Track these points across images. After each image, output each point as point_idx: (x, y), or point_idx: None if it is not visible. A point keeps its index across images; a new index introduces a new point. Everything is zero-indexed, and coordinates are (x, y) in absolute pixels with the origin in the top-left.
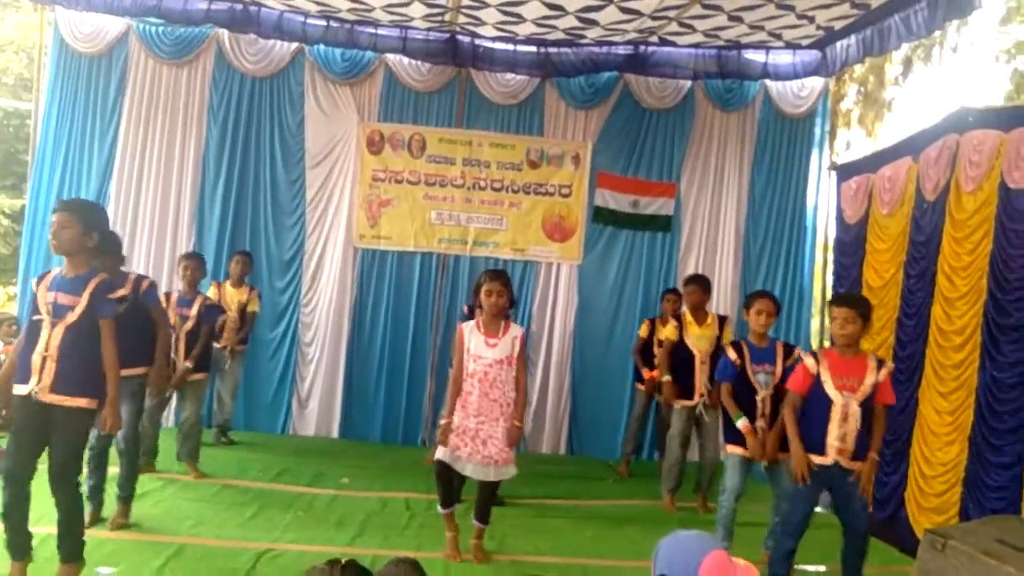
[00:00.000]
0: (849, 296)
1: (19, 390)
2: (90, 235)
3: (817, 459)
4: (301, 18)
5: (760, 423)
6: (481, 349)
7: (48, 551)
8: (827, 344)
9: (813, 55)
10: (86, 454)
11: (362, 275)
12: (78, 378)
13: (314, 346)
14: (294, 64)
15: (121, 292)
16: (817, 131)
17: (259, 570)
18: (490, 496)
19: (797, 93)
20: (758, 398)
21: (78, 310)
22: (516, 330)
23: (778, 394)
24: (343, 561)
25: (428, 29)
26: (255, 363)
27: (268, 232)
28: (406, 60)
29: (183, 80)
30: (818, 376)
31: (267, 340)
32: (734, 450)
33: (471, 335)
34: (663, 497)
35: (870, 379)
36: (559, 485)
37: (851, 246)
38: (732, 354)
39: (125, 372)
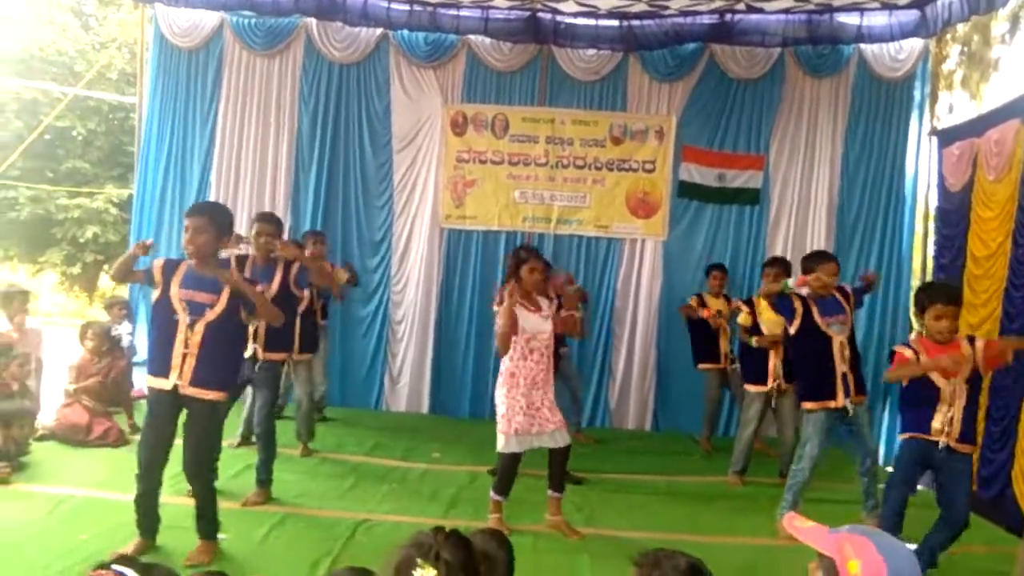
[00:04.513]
0: (954, 290)
1: (156, 383)
2: (223, 239)
3: (924, 436)
4: (385, 3)
5: (843, 368)
6: (539, 324)
7: (165, 518)
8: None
9: (912, 15)
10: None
11: (448, 255)
12: (214, 372)
13: (404, 324)
14: (379, 50)
15: (261, 287)
16: (916, 95)
17: (357, 539)
18: (565, 461)
19: (894, 56)
20: (835, 345)
21: (218, 308)
22: (544, 296)
23: (851, 340)
24: (447, 530)
25: (509, 8)
26: (350, 341)
27: (359, 214)
28: (488, 40)
29: (275, 70)
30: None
31: (360, 318)
32: (816, 406)
33: (521, 315)
34: (729, 475)
35: (969, 358)
36: (646, 460)
37: (954, 215)
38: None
39: (266, 356)
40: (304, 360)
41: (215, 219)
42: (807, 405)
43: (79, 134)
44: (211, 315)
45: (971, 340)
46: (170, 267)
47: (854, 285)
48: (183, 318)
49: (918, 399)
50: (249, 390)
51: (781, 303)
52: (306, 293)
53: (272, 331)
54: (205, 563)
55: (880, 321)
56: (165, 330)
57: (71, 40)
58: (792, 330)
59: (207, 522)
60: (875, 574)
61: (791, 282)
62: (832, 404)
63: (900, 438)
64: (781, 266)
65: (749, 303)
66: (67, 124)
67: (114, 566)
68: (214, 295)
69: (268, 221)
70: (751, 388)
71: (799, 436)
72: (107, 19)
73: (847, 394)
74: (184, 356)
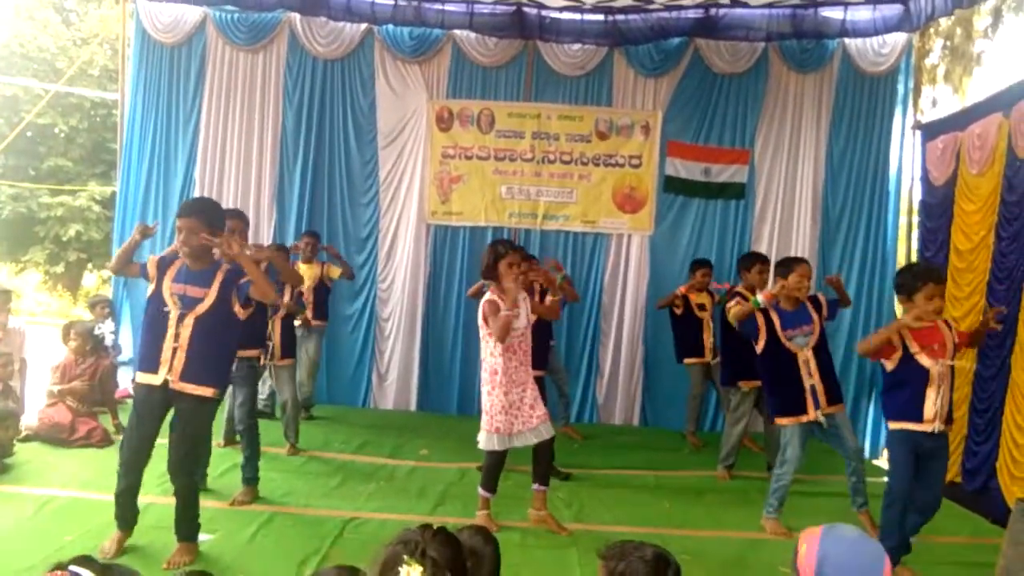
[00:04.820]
0: (938, 269)
1: (145, 379)
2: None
3: (917, 427)
4: None
5: (811, 382)
6: (517, 321)
7: (151, 518)
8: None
9: (895, 9)
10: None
11: (435, 251)
12: (205, 368)
13: (391, 321)
14: (364, 45)
15: (247, 278)
16: (900, 89)
17: (345, 537)
18: (550, 456)
19: (878, 50)
20: (800, 360)
21: (208, 301)
22: (520, 291)
23: (821, 349)
24: (434, 527)
25: (495, 2)
26: (336, 338)
27: (345, 211)
28: (473, 35)
29: (259, 66)
30: (906, 349)
31: (347, 315)
32: (789, 421)
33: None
34: (718, 469)
35: (950, 340)
36: (634, 456)
37: (938, 208)
38: (760, 318)
39: (240, 354)
40: (285, 365)
41: (206, 219)
42: (781, 421)
43: (61, 131)
44: (201, 309)
45: (947, 324)
46: (164, 263)
47: (829, 297)
48: (174, 312)
49: (905, 381)
50: (230, 389)
51: (746, 325)
52: (285, 300)
53: (245, 328)
54: (187, 563)
55: (865, 316)
56: (156, 325)
57: (52, 36)
58: (759, 348)
59: (187, 523)
60: (808, 556)
61: (760, 299)
62: (804, 418)
63: (891, 426)
64: (763, 262)
65: (740, 295)
66: (49, 121)
67: (71, 567)
68: (205, 289)
69: (235, 217)
70: (744, 385)
71: None
72: (88, 14)
73: (817, 406)
74: (174, 350)
